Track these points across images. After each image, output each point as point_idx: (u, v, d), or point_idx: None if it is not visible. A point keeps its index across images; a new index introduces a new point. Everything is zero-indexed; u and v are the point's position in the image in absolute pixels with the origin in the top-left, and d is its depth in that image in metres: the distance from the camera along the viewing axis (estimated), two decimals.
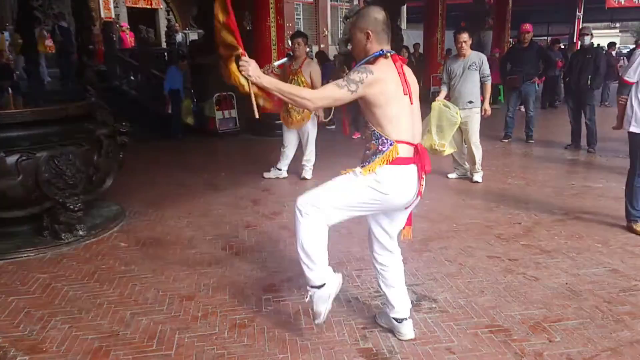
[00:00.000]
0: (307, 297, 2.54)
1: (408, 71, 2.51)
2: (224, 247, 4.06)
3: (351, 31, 2.54)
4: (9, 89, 4.58)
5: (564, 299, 3.12)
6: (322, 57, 12.10)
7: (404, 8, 19.97)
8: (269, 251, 3.95)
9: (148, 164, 7.07)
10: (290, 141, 6.24)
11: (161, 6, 19.31)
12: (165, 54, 12.76)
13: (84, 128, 4.44)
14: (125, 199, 5.39)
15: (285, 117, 6.18)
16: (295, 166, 6.30)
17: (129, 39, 16.38)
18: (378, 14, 2.45)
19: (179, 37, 15.80)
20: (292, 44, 6.18)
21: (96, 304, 3.15)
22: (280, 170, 6.34)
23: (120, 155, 4.81)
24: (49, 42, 12.09)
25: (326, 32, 20.80)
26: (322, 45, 19.96)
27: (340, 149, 8.10)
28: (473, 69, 5.71)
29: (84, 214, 4.25)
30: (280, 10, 9.56)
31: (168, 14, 14.53)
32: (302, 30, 18.10)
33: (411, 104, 2.47)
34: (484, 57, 5.84)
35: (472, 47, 5.88)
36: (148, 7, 18.94)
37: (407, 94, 2.45)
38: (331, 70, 10.47)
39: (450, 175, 6.13)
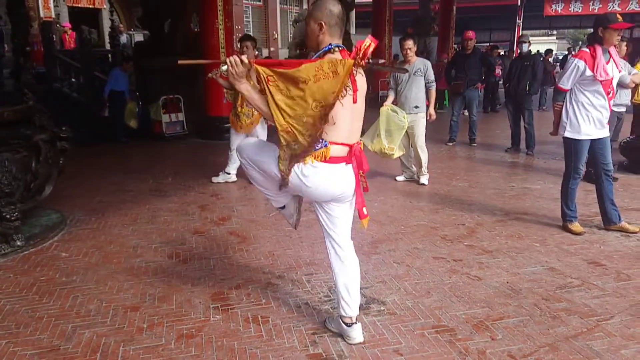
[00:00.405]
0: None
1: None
2: (170, 255, 3.97)
3: (306, 20, 2.54)
4: None
5: (505, 298, 3.25)
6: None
7: (353, 13, 20.20)
8: (217, 258, 3.89)
9: (91, 170, 6.83)
10: (236, 143, 6.18)
11: (104, 6, 18.68)
12: (109, 55, 12.36)
13: (21, 133, 4.23)
14: (67, 206, 5.19)
15: (234, 120, 6.11)
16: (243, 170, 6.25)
17: (69, 40, 15.77)
18: (334, 6, 2.44)
19: (123, 38, 15.35)
20: (240, 47, 6.13)
21: (35, 317, 3.01)
22: (229, 174, 6.28)
23: (61, 161, 4.62)
24: None
25: (276, 36, 20.75)
26: (272, 49, 19.90)
27: None
28: (418, 75, 5.86)
29: (21, 223, 4.07)
30: (228, 12, 9.45)
31: (112, 15, 14.06)
32: (251, 33, 17.98)
33: (354, 102, 2.44)
34: (428, 64, 6.00)
35: (418, 53, 6.03)
36: (90, 6, 18.27)
37: (355, 91, 2.42)
38: None
39: (398, 178, 6.25)
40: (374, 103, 14.14)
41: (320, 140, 2.39)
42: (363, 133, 5.33)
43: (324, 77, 2.26)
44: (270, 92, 2.33)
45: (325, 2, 2.46)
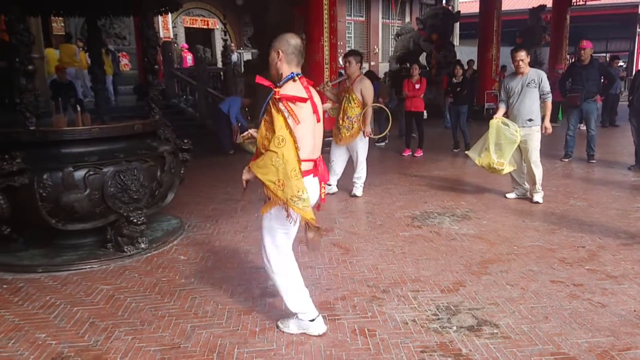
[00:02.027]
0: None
1: (313, 91, 2.80)
2: None
3: (270, 52, 2.80)
4: (77, 106, 4.83)
5: (633, 327, 2.96)
6: (371, 76, 12.07)
7: (457, 24, 19.77)
8: (321, 268, 3.95)
9: (204, 180, 7.26)
10: (338, 156, 6.27)
11: (217, 26, 19.94)
12: (221, 73, 13.14)
13: (148, 145, 4.63)
14: (184, 213, 5.56)
15: (335, 133, 6.23)
16: (345, 183, 6.31)
17: (189, 58, 17.00)
18: (292, 39, 2.77)
19: (234, 56, 16.26)
20: (343, 62, 6.24)
21: (158, 315, 3.24)
22: (329, 185, 6.36)
23: (182, 171, 4.97)
24: (125, 60, 12.66)
25: (377, 50, 20.87)
26: (372, 63, 20.03)
27: (390, 166, 8.08)
28: (532, 87, 5.57)
29: (145, 228, 4.40)
30: (333, 29, 9.69)
31: (225, 34, 15.00)
32: (352, 48, 18.24)
33: (318, 122, 2.78)
34: (543, 74, 5.69)
35: (529, 64, 5.74)
36: (205, 27, 19.60)
37: (315, 113, 2.75)
38: (379, 89, 10.41)
39: (508, 195, 5.95)
40: (478, 115, 13.70)
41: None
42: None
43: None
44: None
45: (285, 35, 2.79)
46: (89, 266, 4.12)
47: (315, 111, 2.75)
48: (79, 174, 4.04)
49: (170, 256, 4.35)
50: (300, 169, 2.62)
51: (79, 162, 4.07)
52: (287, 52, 2.73)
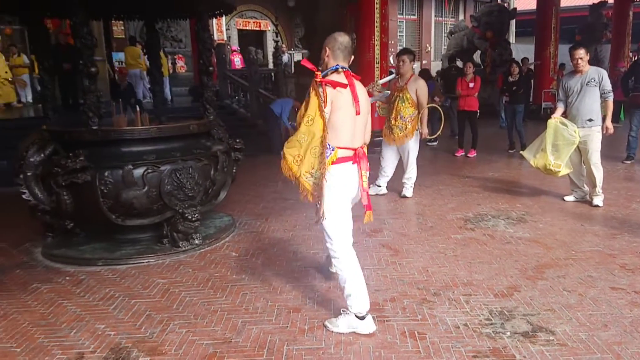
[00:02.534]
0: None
1: (359, 84, 3.00)
2: (325, 262, 4.10)
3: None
4: (137, 106, 5.03)
5: None
6: (425, 75, 11.89)
7: (513, 22, 19.18)
8: (370, 269, 3.92)
9: (255, 178, 7.38)
10: (389, 157, 6.20)
11: (269, 28, 20.22)
12: (272, 74, 13.32)
13: (203, 144, 4.75)
14: (235, 210, 5.67)
15: (387, 133, 6.17)
16: (395, 184, 6.25)
17: (236, 60, 17.33)
18: (339, 36, 2.98)
19: (285, 57, 16.45)
20: (397, 61, 6.17)
21: (210, 310, 3.33)
22: (379, 186, 6.32)
23: (234, 170, 5.08)
24: (180, 63, 13.10)
25: (429, 48, 20.56)
26: (424, 62, 19.75)
27: (442, 166, 7.94)
28: (592, 85, 5.33)
29: (199, 224, 4.52)
30: (385, 28, 9.63)
31: (276, 36, 15.20)
32: (404, 46, 18.07)
33: (357, 114, 2.95)
34: (604, 73, 5.43)
35: (589, 62, 5.49)
36: (257, 29, 19.91)
37: (355, 103, 2.93)
38: (433, 88, 10.24)
39: (567, 198, 5.72)
40: (535, 115, 13.24)
41: (328, 147, 2.85)
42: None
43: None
44: None
45: (334, 33, 3.02)
46: (146, 260, 4.28)
47: (355, 101, 2.94)
48: (138, 171, 4.21)
49: (222, 252, 4.46)
50: (322, 149, 2.84)
51: (138, 160, 4.23)
52: (333, 49, 2.95)
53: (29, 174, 4.23)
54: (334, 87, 2.85)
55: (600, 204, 5.43)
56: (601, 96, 5.37)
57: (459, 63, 16.61)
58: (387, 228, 4.92)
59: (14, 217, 5.50)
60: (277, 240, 4.72)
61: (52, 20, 10.37)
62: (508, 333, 2.92)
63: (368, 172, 3.10)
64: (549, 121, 5.43)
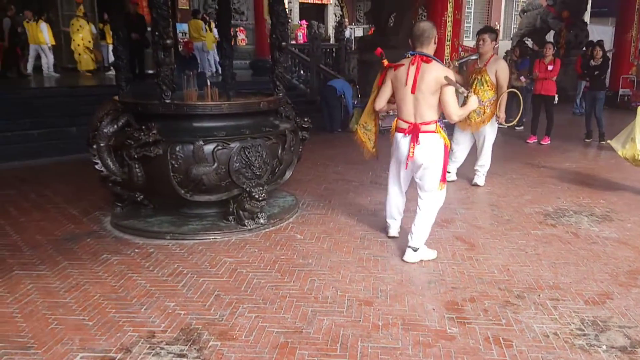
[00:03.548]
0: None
1: (426, 67, 3.48)
2: (395, 252, 3.93)
3: None
4: (206, 80, 4.95)
5: None
6: (524, 50, 11.07)
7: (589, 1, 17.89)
8: (445, 263, 3.72)
9: (316, 158, 7.22)
10: (462, 142, 5.88)
11: (330, 1, 19.86)
12: (334, 50, 13.05)
13: (271, 122, 4.63)
14: (298, 191, 5.57)
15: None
16: (465, 170, 5.95)
17: (299, 34, 17.13)
18: (414, 27, 3.63)
19: (347, 32, 16.11)
20: (477, 40, 5.79)
21: (279, 295, 3.23)
22: (449, 172, 6.01)
23: (300, 150, 4.95)
24: (242, 35, 13.12)
25: (498, 26, 19.57)
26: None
27: (514, 153, 7.50)
28: None
29: (265, 203, 4.44)
30: (458, 4, 9.18)
31: (341, 10, 14.86)
32: (471, 24, 17.27)
33: (412, 93, 3.52)
34: None
35: None
36: (319, 2, 19.59)
37: (408, 84, 3.52)
38: (528, 66, 9.53)
39: None
40: (611, 103, 12.36)
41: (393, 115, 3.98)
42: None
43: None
44: None
45: (415, 25, 3.72)
46: (213, 237, 4.24)
47: (407, 82, 3.52)
48: (208, 147, 4.14)
49: (287, 234, 4.36)
50: (374, 112, 4.10)
51: (208, 136, 4.16)
52: (411, 39, 3.60)
53: (102, 144, 4.25)
54: (395, 69, 3.63)
55: None
56: None
57: (529, 43, 15.80)
58: (459, 219, 4.67)
59: (83, 185, 5.62)
60: (343, 224, 4.58)
61: None
62: (604, 347, 2.66)
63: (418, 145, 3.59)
64: (639, 109, 5.04)
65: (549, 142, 8.26)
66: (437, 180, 3.69)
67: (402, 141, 3.67)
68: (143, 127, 4.04)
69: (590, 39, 14.22)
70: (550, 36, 15.99)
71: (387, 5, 10.87)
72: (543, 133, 8.32)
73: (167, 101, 4.16)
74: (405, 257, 3.74)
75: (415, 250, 3.74)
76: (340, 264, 3.70)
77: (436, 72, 3.46)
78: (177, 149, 4.11)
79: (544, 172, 6.39)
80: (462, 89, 3.56)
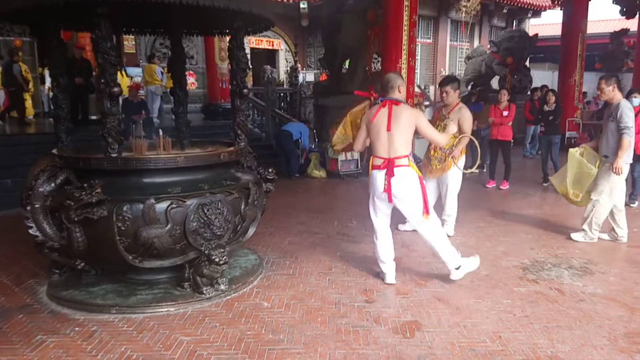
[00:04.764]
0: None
1: (397, 109, 3.94)
2: (377, 319, 3.54)
3: None
4: (160, 130, 4.50)
5: None
6: (480, 95, 11.29)
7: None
8: (431, 331, 3.35)
9: (276, 206, 6.76)
10: (428, 190, 5.64)
11: (281, 47, 19.90)
12: (288, 94, 12.88)
13: (232, 175, 4.23)
14: (260, 246, 5.14)
15: (425, 163, 5.68)
16: None
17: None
18: (385, 77, 4.11)
19: (300, 77, 16.05)
20: (440, 92, 5.68)
21: None
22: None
23: (264, 203, 4.54)
24: (191, 79, 12.77)
25: (443, 72, 20.13)
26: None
27: (476, 199, 7.36)
28: (610, 120, 5.11)
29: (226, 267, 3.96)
30: (412, 51, 9.17)
31: (295, 55, 14.80)
32: (419, 70, 17.60)
33: (388, 130, 3.92)
34: (623, 105, 5.05)
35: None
36: (270, 47, 19.58)
37: (383, 124, 3.93)
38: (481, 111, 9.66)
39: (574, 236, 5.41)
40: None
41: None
42: None
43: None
44: None
45: (385, 75, 4.35)
46: (166, 309, 3.72)
47: (382, 122, 3.95)
48: (161, 206, 3.66)
49: (252, 301, 3.89)
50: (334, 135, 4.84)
51: (161, 193, 3.69)
52: (382, 86, 4.08)
53: (37, 205, 3.69)
54: (369, 117, 4.06)
55: (578, 239, 5.30)
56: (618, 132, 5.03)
57: (469, 88, 16.25)
58: (436, 275, 4.35)
59: (17, 246, 4.99)
60: (314, 286, 4.16)
61: (64, 32, 10.01)
62: None
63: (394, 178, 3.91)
64: (570, 150, 5.40)
65: (508, 186, 8.23)
66: (420, 210, 3.96)
67: (379, 176, 3.97)
68: (85, 185, 3.53)
69: (533, 84, 14.80)
70: (495, 82, 16.57)
71: (341, 52, 10.85)
72: (501, 177, 8.29)
73: (114, 155, 3.68)
74: (453, 277, 4.10)
75: (457, 268, 4.07)
76: (316, 339, 3.26)
77: (407, 111, 3.99)
78: (125, 209, 3.61)
79: (511, 219, 6.25)
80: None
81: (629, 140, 4.96)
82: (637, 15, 16.72)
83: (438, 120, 5.50)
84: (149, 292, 3.94)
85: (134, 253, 3.72)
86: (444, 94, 5.42)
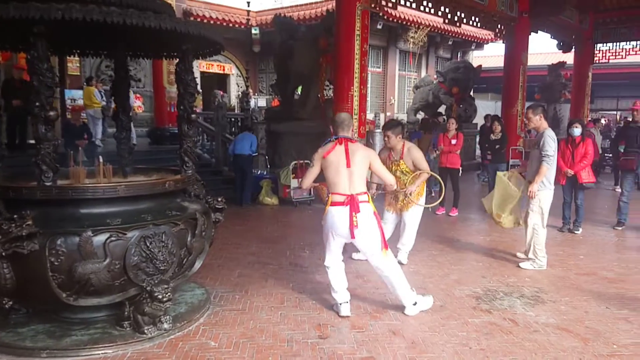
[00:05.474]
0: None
1: (352, 146, 4.00)
2: (331, 357, 3.38)
3: None
4: (100, 156, 4.23)
5: None
6: (424, 125, 11.43)
7: None
8: None
9: (225, 236, 6.56)
10: (389, 221, 5.61)
11: (232, 72, 19.77)
12: (239, 119, 12.71)
13: (178, 204, 4.00)
14: (207, 279, 4.90)
15: (390, 202, 5.58)
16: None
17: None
18: (339, 116, 4.17)
19: (252, 102, 15.92)
20: (383, 136, 5.64)
21: None
22: None
23: (212, 234, 4.32)
24: (138, 103, 12.36)
25: (393, 101, 20.56)
26: (388, 114, 19.68)
27: (426, 226, 7.34)
28: (536, 147, 5.42)
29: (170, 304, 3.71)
30: (364, 80, 9.29)
31: (247, 81, 14.66)
32: (369, 98, 17.88)
33: (348, 167, 3.92)
34: (546, 135, 5.33)
35: (548, 121, 5.68)
36: (221, 72, 19.40)
37: (342, 161, 3.93)
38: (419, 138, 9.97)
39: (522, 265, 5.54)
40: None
41: (327, 191, 4.06)
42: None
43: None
44: None
45: (337, 114, 4.32)
46: (102, 352, 3.43)
47: (341, 159, 3.94)
48: (99, 239, 3.39)
49: (198, 341, 3.64)
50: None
51: (99, 225, 3.42)
52: (335, 125, 4.08)
53: None
54: (325, 157, 3.98)
55: (526, 267, 5.42)
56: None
57: (419, 116, 16.64)
58: (390, 306, 4.25)
59: None
60: (265, 322, 3.95)
61: (2, 52, 9.47)
62: None
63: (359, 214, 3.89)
64: (498, 174, 5.74)
65: (457, 213, 8.33)
66: (379, 245, 3.96)
67: (340, 213, 3.89)
68: (15, 216, 3.23)
69: (495, 114, 15.25)
70: (442, 110, 17.02)
71: (293, 78, 10.84)
72: (451, 204, 8.39)
73: (48, 184, 3.40)
74: (408, 312, 4.06)
75: (414, 304, 4.07)
76: None
77: (362, 149, 4.09)
78: (59, 242, 3.32)
79: (461, 247, 6.28)
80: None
81: (546, 167, 5.28)
82: (573, 49, 17.80)
83: (393, 165, 5.40)
84: (85, 332, 3.63)
85: (69, 290, 3.42)
86: (386, 138, 5.38)
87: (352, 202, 3.86)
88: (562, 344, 3.58)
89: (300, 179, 9.28)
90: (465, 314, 4.11)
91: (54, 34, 3.34)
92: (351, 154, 3.94)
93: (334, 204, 3.92)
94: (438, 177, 5.64)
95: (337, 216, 3.89)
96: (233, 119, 12.91)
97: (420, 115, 16.84)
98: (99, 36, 4.09)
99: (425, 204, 5.67)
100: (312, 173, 4.09)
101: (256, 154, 9.64)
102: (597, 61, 18.04)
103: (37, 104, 3.37)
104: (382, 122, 18.27)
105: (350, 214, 3.84)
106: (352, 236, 3.88)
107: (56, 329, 3.67)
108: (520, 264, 5.48)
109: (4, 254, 3.24)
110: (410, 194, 5.28)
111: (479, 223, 7.82)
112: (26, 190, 3.43)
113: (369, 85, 19.84)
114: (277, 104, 13.43)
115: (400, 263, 5.40)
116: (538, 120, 5.42)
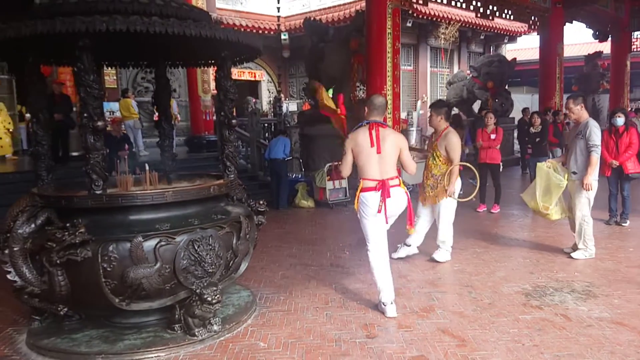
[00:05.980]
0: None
1: (383, 131, 4.02)
2: (381, 356, 3.36)
3: None
4: (146, 164, 4.34)
5: None
6: (455, 121, 11.23)
7: None
8: None
9: (266, 239, 6.60)
10: (423, 215, 5.59)
11: (263, 78, 19.97)
12: (273, 124, 12.82)
13: (223, 209, 4.06)
14: (252, 281, 4.95)
15: (420, 191, 5.64)
16: (428, 247, 5.59)
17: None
18: (375, 99, 4.14)
19: (284, 107, 16.05)
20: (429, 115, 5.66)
21: None
22: (408, 245, 5.63)
23: (256, 236, 4.37)
24: (175, 111, 12.68)
25: (425, 98, 20.35)
26: (421, 111, 19.49)
27: (468, 224, 7.24)
28: (579, 138, 5.27)
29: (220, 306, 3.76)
30: (396, 78, 9.23)
31: (279, 86, 14.80)
32: (401, 96, 17.77)
33: (378, 152, 3.97)
34: (591, 125, 5.23)
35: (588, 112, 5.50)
36: (252, 79, 19.63)
37: (373, 146, 3.96)
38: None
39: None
40: None
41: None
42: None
43: None
44: None
45: (372, 96, 4.28)
46: (155, 354, 3.51)
47: (372, 144, 3.96)
48: (149, 244, 3.47)
49: (247, 342, 3.68)
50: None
51: (149, 230, 3.51)
52: (370, 108, 4.10)
53: (15, 248, 3.48)
54: (355, 140, 4.06)
55: (578, 257, 5.36)
56: (587, 149, 5.22)
57: (455, 111, 16.40)
58: (438, 306, 4.19)
59: None
60: (311, 322, 3.96)
61: (44, 68, 9.84)
62: None
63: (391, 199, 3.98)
64: (538, 164, 5.54)
65: (499, 209, 8.17)
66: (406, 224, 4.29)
67: (373, 198, 3.96)
68: (67, 225, 3.34)
69: (527, 106, 14.93)
70: (476, 105, 16.75)
71: (325, 81, 10.86)
72: (492, 201, 8.23)
73: (98, 192, 3.51)
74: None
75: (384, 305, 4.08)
76: None
77: (394, 134, 4.15)
78: (110, 248, 3.41)
79: (506, 244, 6.16)
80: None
81: (596, 158, 5.18)
82: (610, 39, 17.26)
83: (430, 149, 5.44)
84: (137, 336, 3.71)
85: (121, 295, 3.51)
86: (429, 116, 5.41)
87: (383, 187, 3.93)
88: (618, 338, 3.47)
89: (334, 181, 9.42)
90: (515, 311, 4.02)
91: (100, 45, 3.44)
92: (382, 139, 3.97)
93: (365, 189, 3.99)
94: (472, 166, 5.52)
95: (370, 201, 3.96)
96: (266, 125, 13.02)
97: (455, 112, 16.61)
98: (139, 46, 4.20)
99: (460, 197, 5.64)
100: (347, 160, 4.12)
101: (290, 157, 9.67)
102: (635, 49, 17.43)
103: (85, 114, 3.48)
104: (415, 121, 18.19)
105: (382, 199, 3.92)
106: (386, 221, 4.02)
107: (109, 333, 3.77)
108: (572, 254, 5.42)
109: (58, 261, 3.35)
110: (447, 191, 5.24)
111: (522, 219, 7.65)
112: (77, 199, 3.54)
113: (400, 84, 19.83)
114: (308, 108, 13.49)
115: (435, 260, 5.40)
116: (579, 110, 5.32)
